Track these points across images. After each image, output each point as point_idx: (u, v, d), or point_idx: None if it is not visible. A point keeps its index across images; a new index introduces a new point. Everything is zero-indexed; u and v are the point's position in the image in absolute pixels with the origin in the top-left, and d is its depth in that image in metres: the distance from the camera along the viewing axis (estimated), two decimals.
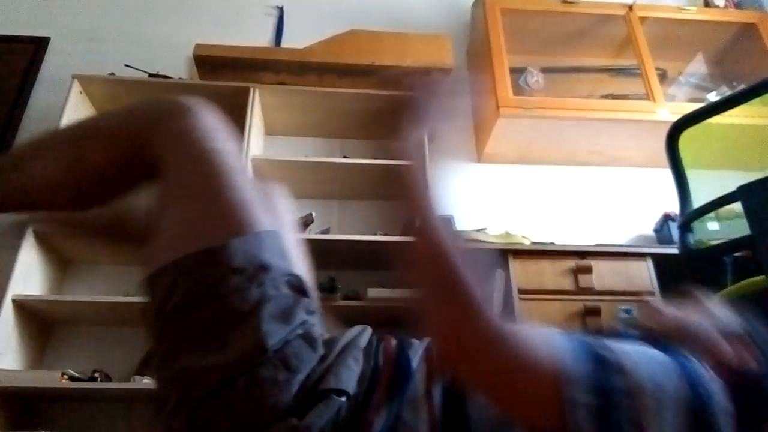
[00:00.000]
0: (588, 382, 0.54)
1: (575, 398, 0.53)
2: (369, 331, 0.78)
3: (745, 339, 0.68)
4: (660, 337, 0.69)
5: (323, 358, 0.67)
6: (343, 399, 0.63)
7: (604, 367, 0.55)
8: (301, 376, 0.64)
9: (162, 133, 0.76)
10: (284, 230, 0.78)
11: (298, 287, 0.71)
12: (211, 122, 0.79)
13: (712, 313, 0.75)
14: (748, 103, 1.35)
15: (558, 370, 0.54)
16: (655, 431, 0.52)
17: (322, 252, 2.12)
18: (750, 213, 1.23)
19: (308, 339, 0.67)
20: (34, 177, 0.80)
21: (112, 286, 2.11)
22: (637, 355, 0.58)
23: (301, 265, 0.79)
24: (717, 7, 2.98)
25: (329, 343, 0.70)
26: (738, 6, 3.02)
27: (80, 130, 0.86)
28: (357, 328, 0.77)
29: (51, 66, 2.57)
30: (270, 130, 2.48)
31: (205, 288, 0.65)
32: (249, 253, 0.67)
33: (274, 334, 0.64)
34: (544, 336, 0.59)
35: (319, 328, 0.72)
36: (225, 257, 0.66)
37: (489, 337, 0.57)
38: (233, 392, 0.61)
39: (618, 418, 0.53)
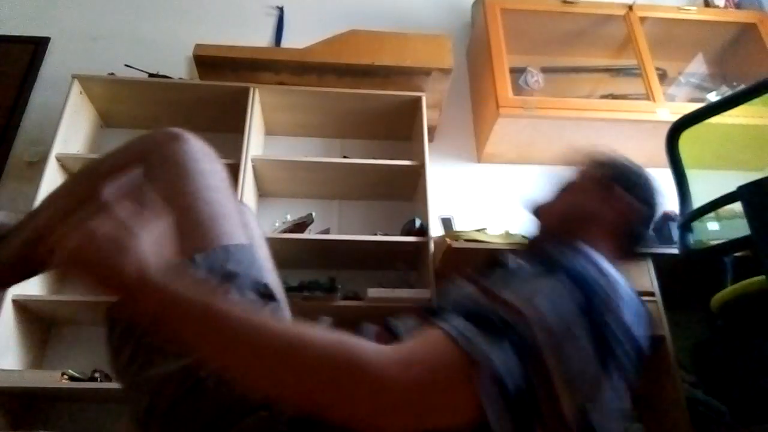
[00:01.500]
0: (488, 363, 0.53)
1: (488, 390, 0.53)
2: (330, 321, 0.81)
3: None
4: (548, 244, 0.72)
5: None
6: None
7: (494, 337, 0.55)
8: None
9: (150, 160, 0.80)
10: (255, 244, 0.82)
11: (264, 293, 0.73)
12: (196, 147, 0.83)
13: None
14: (748, 103, 1.35)
15: (466, 372, 0.53)
16: (560, 364, 0.55)
17: (322, 252, 2.14)
18: (750, 213, 1.23)
19: None
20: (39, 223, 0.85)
21: None
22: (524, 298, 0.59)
23: (271, 275, 0.81)
24: (717, 7, 2.99)
25: None
26: (738, 6, 3.02)
27: (79, 174, 0.91)
28: (325, 319, 0.80)
29: (51, 66, 2.57)
30: (270, 130, 2.48)
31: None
32: (215, 265, 0.70)
33: None
34: (426, 344, 0.56)
35: None
36: (191, 270, 0.69)
37: (386, 384, 0.51)
38: (203, 392, 0.62)
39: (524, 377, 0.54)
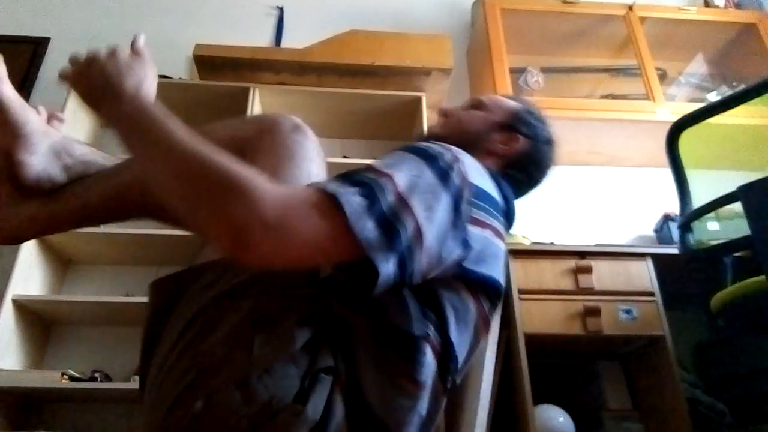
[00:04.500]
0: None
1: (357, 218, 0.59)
2: None
3: (513, 128, 1.00)
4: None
5: None
6: (330, 376, 0.66)
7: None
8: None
9: (265, 139, 0.82)
10: None
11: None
12: (311, 145, 0.85)
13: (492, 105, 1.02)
14: (748, 103, 1.35)
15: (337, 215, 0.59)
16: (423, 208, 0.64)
17: None
18: (750, 213, 1.23)
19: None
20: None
21: (112, 286, 2.12)
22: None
23: None
24: (717, 7, 2.98)
25: None
26: (738, 6, 3.02)
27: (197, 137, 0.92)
28: None
29: (51, 66, 2.57)
30: None
31: (243, 286, 0.68)
32: None
33: (300, 339, 0.67)
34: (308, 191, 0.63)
35: None
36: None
37: (270, 222, 0.57)
38: (249, 383, 0.63)
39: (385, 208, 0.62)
